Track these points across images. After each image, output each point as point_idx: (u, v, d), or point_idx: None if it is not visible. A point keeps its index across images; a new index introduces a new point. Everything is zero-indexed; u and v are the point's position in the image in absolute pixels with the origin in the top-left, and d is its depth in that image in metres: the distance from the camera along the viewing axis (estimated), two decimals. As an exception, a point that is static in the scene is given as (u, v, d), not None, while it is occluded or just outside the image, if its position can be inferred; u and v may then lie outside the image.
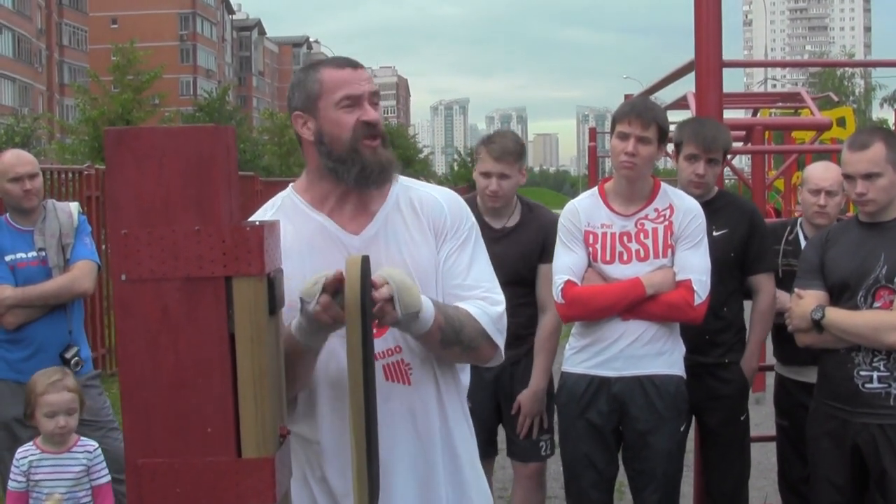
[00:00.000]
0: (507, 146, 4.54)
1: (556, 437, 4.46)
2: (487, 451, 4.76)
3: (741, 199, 4.80)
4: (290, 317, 2.34)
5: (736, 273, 4.46)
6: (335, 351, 2.48)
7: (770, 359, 4.81)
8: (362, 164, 2.51)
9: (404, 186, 2.70)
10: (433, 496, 2.62)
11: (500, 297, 2.67)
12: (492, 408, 4.72)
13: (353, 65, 2.57)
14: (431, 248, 2.64)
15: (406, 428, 2.58)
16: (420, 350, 2.58)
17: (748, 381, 4.53)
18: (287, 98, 2.71)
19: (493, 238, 4.41)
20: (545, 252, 4.51)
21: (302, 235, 2.56)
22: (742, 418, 4.53)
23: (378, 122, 2.55)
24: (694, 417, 4.49)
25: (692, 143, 4.36)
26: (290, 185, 2.72)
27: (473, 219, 2.79)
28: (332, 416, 2.55)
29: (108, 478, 4.25)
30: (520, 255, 4.55)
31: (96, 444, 4.26)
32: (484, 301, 2.61)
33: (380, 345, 2.49)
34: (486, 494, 2.80)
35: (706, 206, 4.40)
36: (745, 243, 4.43)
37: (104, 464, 4.24)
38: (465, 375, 2.79)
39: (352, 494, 2.29)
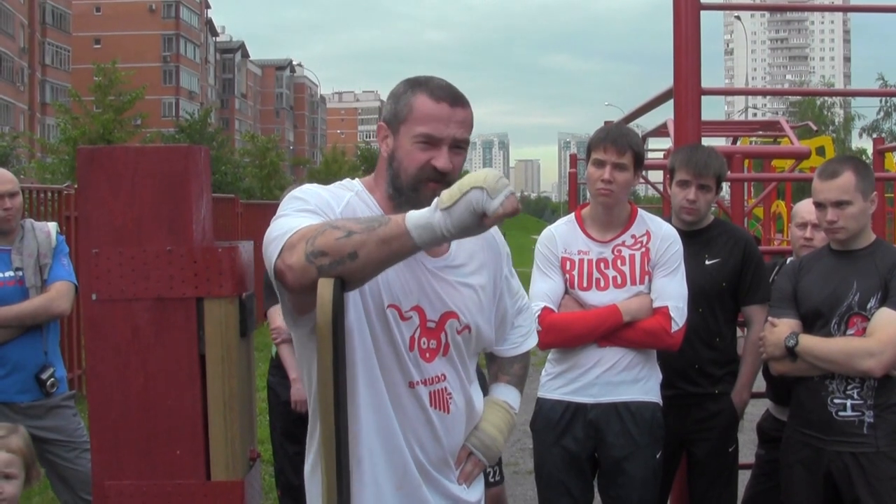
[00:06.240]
0: None
1: (532, 466, 4.42)
2: None
3: (736, 228, 4.75)
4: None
5: (729, 303, 4.44)
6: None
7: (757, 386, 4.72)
8: (418, 205, 2.25)
9: None
10: None
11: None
12: None
13: (453, 100, 2.45)
14: (489, 273, 2.72)
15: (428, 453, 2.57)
16: (460, 384, 2.61)
17: (738, 413, 4.49)
18: (385, 102, 2.57)
19: None
20: None
21: None
22: (730, 450, 4.48)
23: (449, 172, 2.41)
24: (682, 447, 4.48)
25: (683, 169, 4.35)
26: (357, 179, 2.59)
27: None
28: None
29: None
30: None
31: None
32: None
33: (428, 370, 2.51)
34: None
35: (700, 234, 4.41)
36: (738, 273, 4.40)
37: None
38: None
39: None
